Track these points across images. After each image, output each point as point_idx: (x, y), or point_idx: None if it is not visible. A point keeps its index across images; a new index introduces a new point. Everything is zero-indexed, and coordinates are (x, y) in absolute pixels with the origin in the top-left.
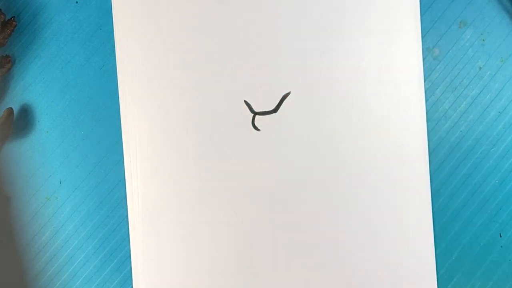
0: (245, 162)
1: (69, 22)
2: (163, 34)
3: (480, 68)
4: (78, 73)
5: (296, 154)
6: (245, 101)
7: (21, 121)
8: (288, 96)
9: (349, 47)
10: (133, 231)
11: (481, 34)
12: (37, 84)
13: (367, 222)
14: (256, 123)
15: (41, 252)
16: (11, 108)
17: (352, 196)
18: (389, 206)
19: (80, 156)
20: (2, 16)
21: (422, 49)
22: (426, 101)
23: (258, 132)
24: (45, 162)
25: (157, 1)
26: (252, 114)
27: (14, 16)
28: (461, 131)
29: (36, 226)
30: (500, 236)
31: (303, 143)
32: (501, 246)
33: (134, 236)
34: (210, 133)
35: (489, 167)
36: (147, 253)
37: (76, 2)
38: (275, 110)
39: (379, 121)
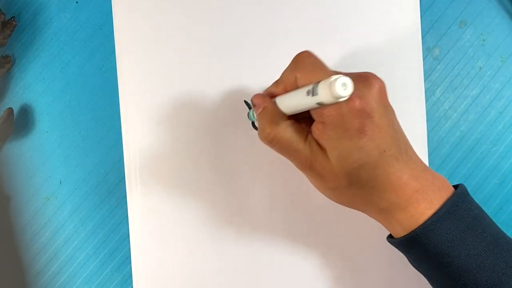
0: (245, 161)
1: (69, 22)
2: (162, 34)
3: (480, 68)
4: (78, 73)
5: None
6: (245, 101)
7: (21, 121)
8: None
9: (349, 47)
10: (133, 231)
11: (481, 34)
12: (37, 84)
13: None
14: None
15: (41, 252)
16: (11, 108)
17: None
18: None
19: (80, 156)
20: (2, 16)
21: (422, 49)
22: (426, 101)
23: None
24: (45, 162)
25: (157, 2)
26: None
27: (14, 16)
28: (461, 131)
29: (36, 226)
30: None
31: None
32: None
33: (134, 236)
34: (209, 133)
35: (489, 167)
36: (147, 253)
37: (76, 2)
38: None
39: None
